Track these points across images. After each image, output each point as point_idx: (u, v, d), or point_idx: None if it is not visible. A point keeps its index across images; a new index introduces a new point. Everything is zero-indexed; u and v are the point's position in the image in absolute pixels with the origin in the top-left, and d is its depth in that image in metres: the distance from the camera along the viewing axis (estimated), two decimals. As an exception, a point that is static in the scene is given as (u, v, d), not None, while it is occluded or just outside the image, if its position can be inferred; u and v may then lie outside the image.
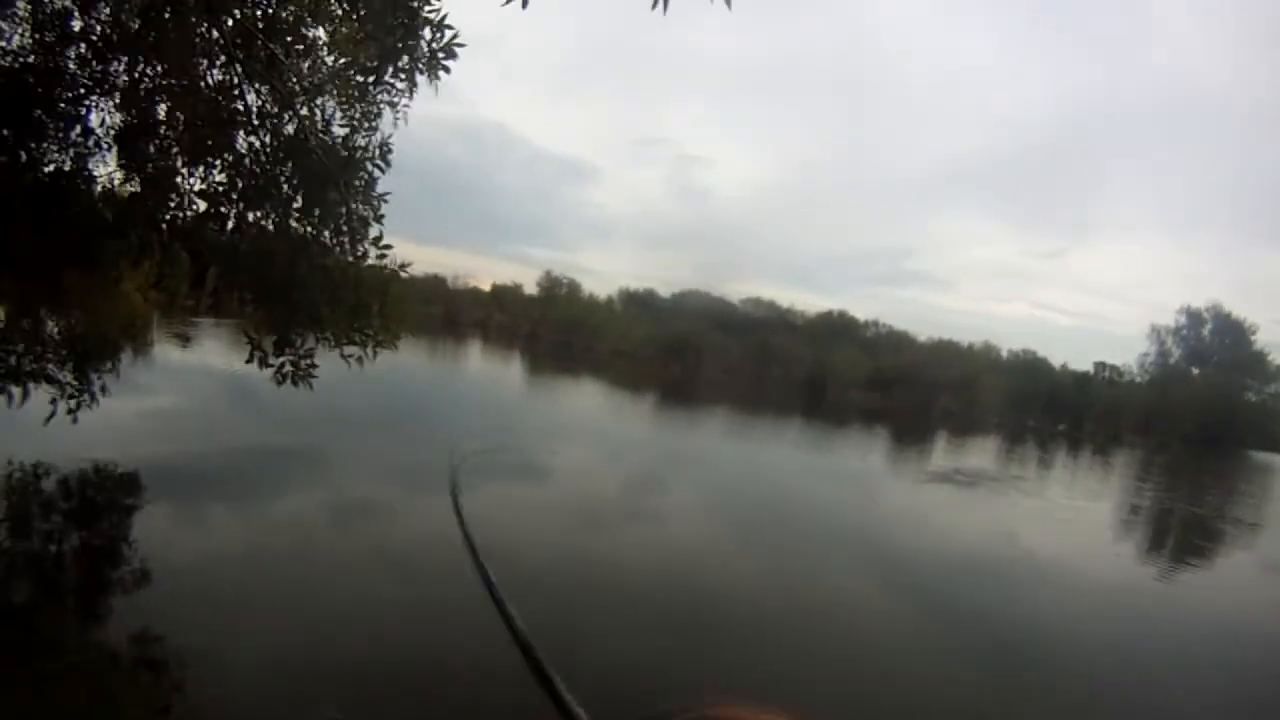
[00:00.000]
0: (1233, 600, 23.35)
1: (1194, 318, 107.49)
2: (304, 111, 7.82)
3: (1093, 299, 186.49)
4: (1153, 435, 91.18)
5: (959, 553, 23.24)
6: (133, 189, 8.05)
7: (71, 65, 7.75)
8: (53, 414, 9.12)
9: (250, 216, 7.76)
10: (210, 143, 7.58)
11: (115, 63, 7.78)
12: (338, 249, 7.83)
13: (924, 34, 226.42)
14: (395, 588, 14.01)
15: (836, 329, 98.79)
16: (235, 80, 7.55)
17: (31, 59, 7.65)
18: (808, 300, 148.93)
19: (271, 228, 7.76)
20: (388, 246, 7.85)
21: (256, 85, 7.70)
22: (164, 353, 37.71)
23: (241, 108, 7.57)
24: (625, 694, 9.75)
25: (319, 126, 7.85)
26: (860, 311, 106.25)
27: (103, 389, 9.73)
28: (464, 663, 10.95)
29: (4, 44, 7.66)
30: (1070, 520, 34.05)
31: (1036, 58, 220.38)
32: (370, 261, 8.03)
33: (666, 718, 0.87)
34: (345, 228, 7.71)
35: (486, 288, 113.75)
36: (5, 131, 7.42)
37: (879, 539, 23.60)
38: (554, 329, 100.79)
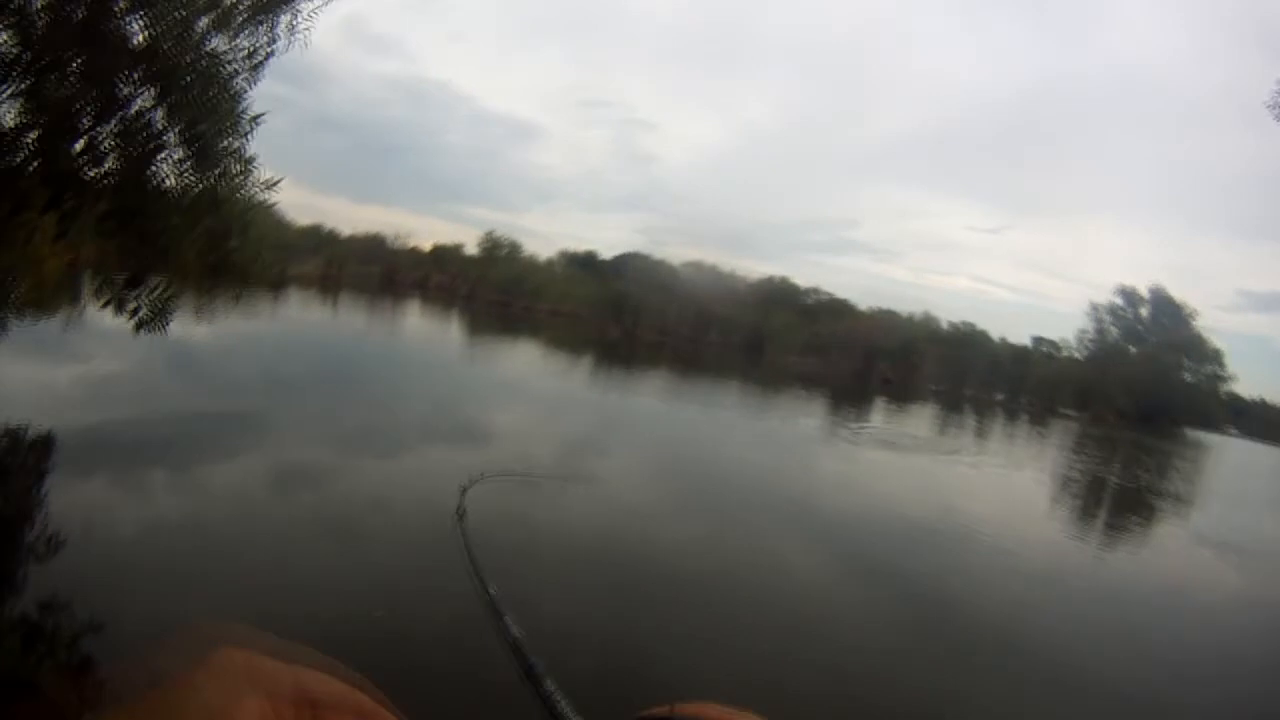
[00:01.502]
0: (1156, 570, 23.74)
1: (1131, 297, 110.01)
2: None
3: (1034, 275, 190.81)
4: (1089, 409, 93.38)
5: (895, 520, 23.17)
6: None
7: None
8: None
9: (103, 141, 6.83)
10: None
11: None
12: (195, 174, 6.91)
13: (877, 5, 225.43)
14: (323, 556, 13.48)
15: (776, 294, 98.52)
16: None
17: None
18: (750, 266, 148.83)
19: (123, 148, 6.82)
20: (250, 164, 7.00)
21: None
22: (98, 316, 36.20)
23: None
24: (559, 648, 9.37)
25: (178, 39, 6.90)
26: (802, 279, 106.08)
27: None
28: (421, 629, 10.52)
29: None
30: (1005, 489, 34.42)
31: (989, 34, 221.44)
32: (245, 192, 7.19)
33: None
34: (202, 148, 6.78)
35: (427, 248, 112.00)
36: None
37: (812, 503, 23.42)
38: (493, 289, 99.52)
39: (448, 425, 25.42)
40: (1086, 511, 32.85)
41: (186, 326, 9.22)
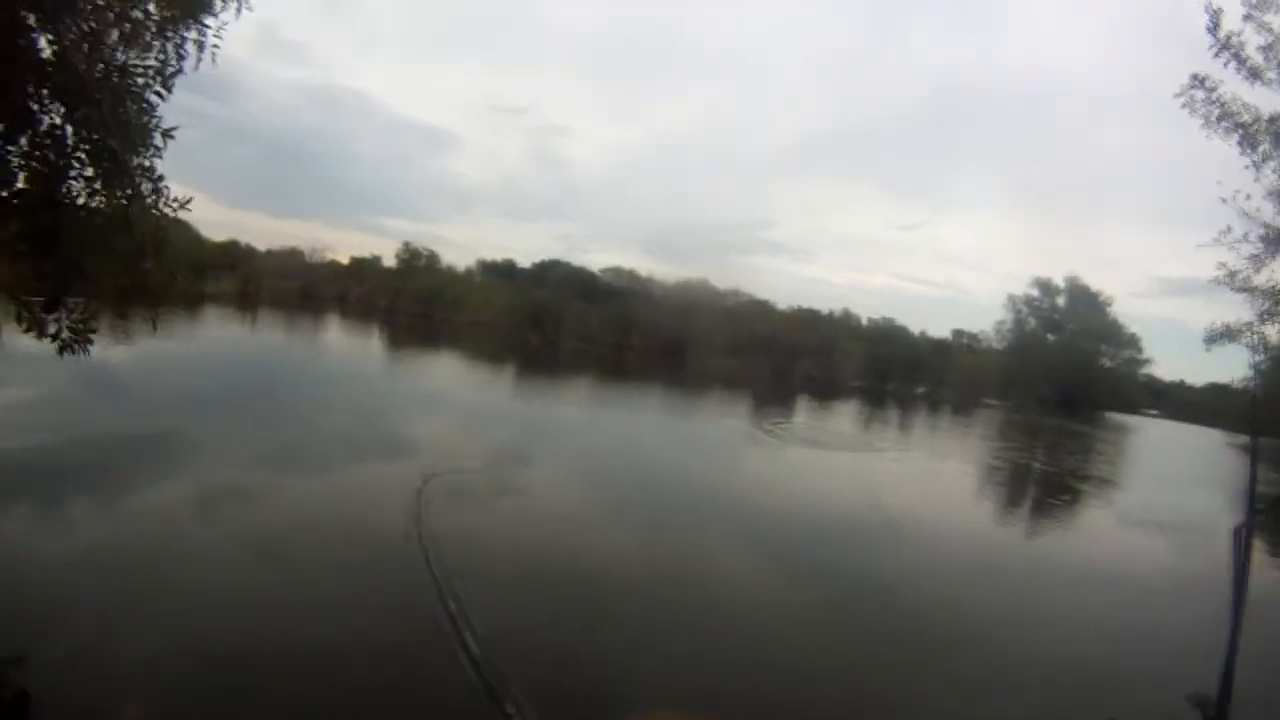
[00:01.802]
0: (1082, 552, 24.58)
1: (1047, 288, 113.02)
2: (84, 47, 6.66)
3: (952, 269, 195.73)
4: (1011, 398, 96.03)
5: (822, 516, 23.70)
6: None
7: None
8: None
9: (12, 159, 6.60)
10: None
11: None
12: (106, 192, 6.74)
13: (787, 6, 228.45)
14: (249, 574, 13.25)
15: (696, 297, 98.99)
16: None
17: None
18: (668, 270, 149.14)
19: (33, 166, 6.61)
20: (161, 181, 6.85)
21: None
22: (15, 340, 34.80)
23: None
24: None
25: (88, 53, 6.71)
26: (722, 281, 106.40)
27: None
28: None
29: None
30: (930, 480, 35.28)
31: (902, 32, 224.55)
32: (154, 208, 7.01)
33: None
34: (113, 165, 6.62)
35: (345, 261, 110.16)
36: None
37: (740, 503, 23.71)
38: (413, 301, 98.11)
39: (375, 439, 25.10)
40: (1012, 499, 33.88)
41: (105, 347, 9.06)
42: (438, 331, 79.11)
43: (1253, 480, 12.56)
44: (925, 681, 12.68)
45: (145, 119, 6.84)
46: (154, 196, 6.90)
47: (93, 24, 6.62)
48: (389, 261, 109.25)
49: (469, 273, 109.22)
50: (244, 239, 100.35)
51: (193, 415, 24.34)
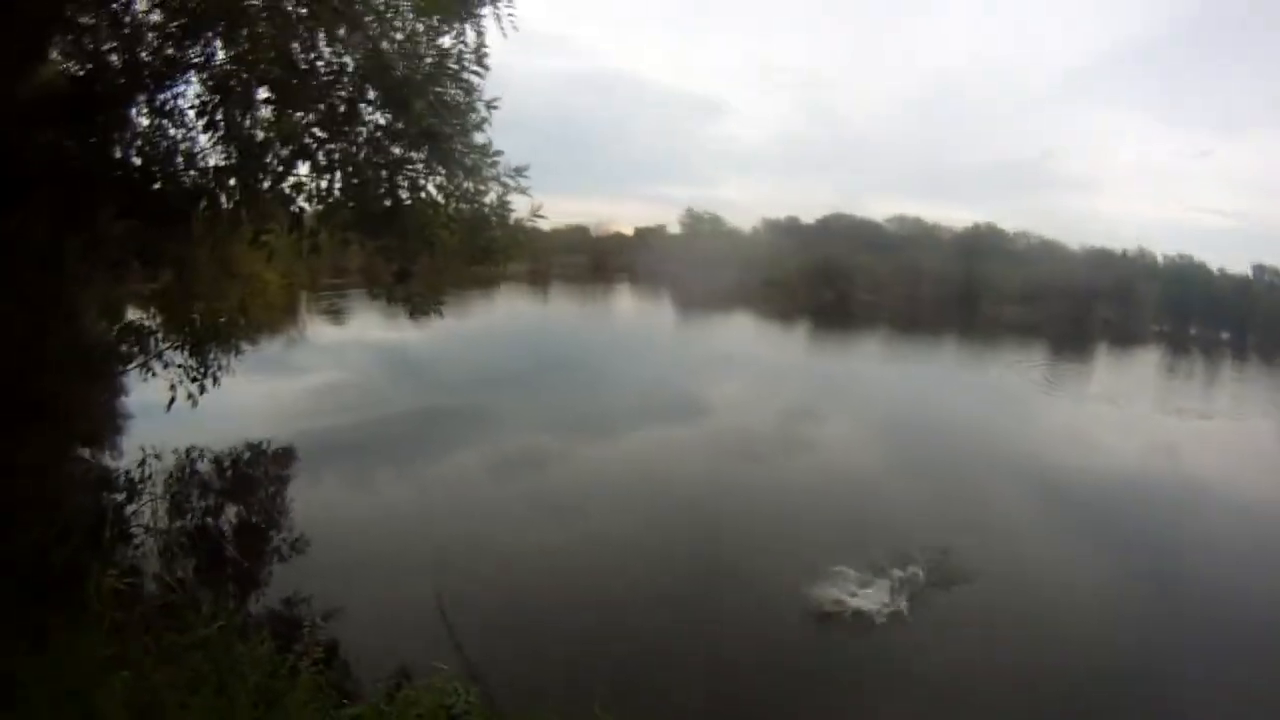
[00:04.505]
0: None
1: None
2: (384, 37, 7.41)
3: (1249, 199, 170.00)
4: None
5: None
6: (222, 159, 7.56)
7: (147, 55, 7.40)
8: (173, 399, 8.84)
9: (338, 152, 7.48)
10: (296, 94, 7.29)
11: (193, 43, 7.34)
12: (438, 171, 7.51)
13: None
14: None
15: (985, 242, 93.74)
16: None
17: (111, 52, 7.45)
18: (954, 214, 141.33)
19: (363, 158, 7.46)
20: (498, 153, 7.47)
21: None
22: (318, 330, 39.00)
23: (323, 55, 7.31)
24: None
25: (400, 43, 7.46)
26: (1007, 223, 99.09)
27: (218, 372, 9.19)
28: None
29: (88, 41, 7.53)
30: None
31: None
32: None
33: None
34: (442, 148, 7.35)
35: (629, 232, 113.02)
36: (92, 125, 7.34)
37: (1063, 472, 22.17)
38: (700, 265, 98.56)
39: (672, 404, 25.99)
40: None
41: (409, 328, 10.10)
42: (731, 295, 79.01)
43: None
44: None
45: (468, 99, 7.51)
46: (492, 168, 7.54)
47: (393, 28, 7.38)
48: (673, 228, 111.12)
49: (755, 232, 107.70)
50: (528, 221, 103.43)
51: (485, 391, 25.93)
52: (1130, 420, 33.03)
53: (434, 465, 18.19)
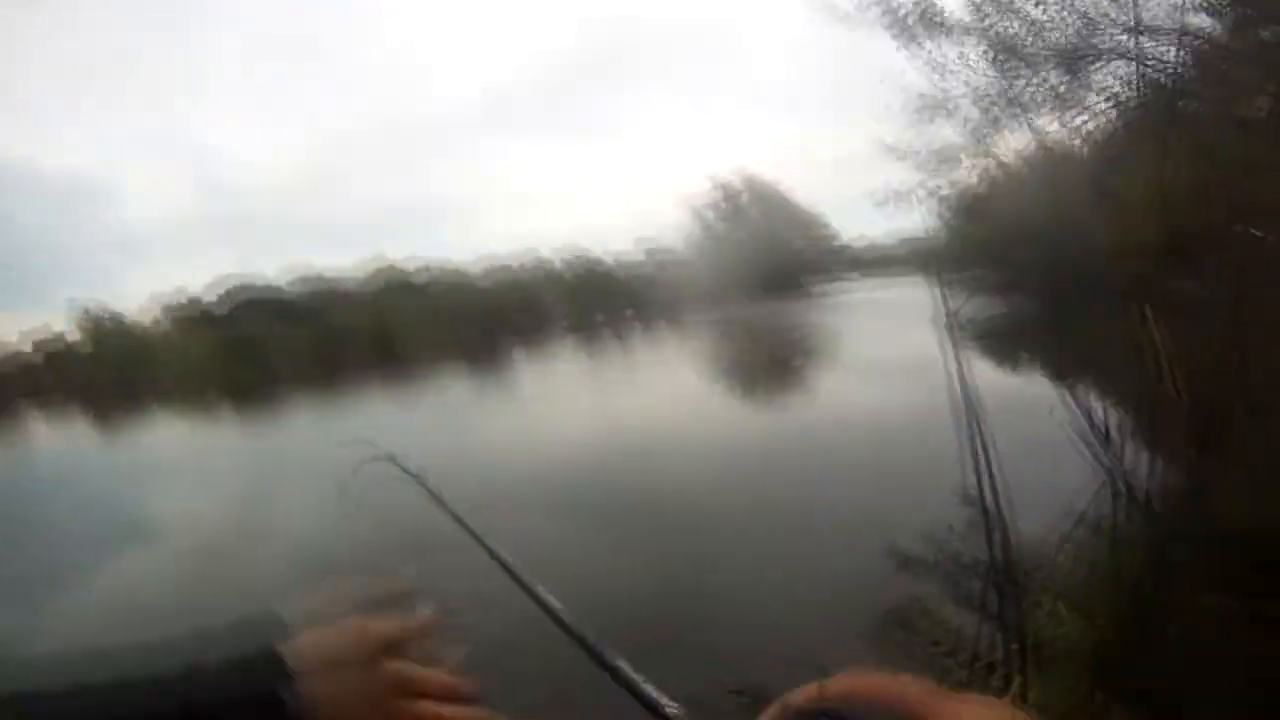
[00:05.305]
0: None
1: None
2: None
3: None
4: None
5: None
6: None
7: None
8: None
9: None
10: None
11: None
12: None
13: None
14: None
15: (392, 282, 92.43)
16: None
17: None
18: (357, 262, 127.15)
19: None
20: None
21: None
22: None
23: None
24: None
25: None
26: (410, 262, 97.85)
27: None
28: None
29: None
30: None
31: None
32: None
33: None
34: None
35: (29, 348, 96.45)
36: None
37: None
38: (111, 369, 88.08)
39: None
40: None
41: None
42: (148, 396, 68.02)
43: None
44: None
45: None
46: None
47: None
48: (76, 335, 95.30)
49: (156, 323, 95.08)
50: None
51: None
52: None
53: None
